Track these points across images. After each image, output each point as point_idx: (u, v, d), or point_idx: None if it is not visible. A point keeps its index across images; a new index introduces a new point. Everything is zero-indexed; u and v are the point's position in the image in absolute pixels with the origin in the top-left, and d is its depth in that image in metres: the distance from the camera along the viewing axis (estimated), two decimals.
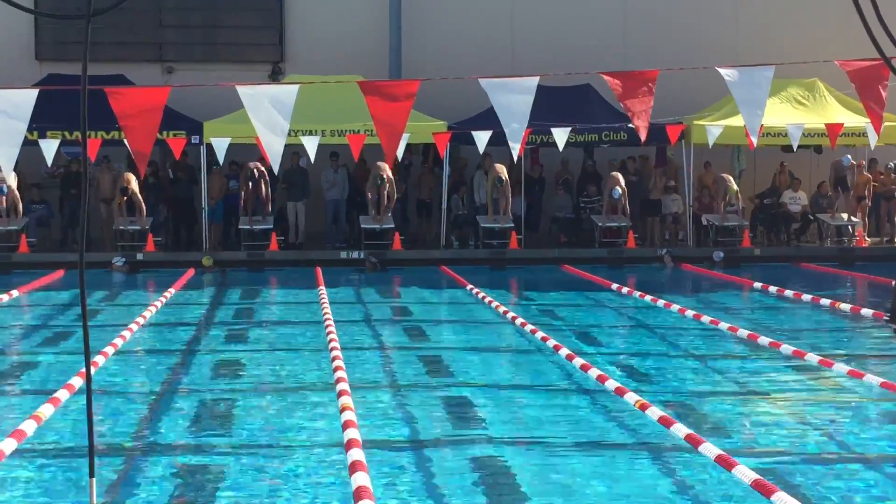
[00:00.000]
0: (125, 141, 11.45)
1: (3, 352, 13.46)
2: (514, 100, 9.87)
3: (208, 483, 7.61)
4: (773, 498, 6.57)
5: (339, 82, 18.48)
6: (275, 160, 10.09)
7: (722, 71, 10.15)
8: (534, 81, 9.86)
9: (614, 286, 19.04)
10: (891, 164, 26.46)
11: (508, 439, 8.86)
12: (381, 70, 26.75)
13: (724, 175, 25.12)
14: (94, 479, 4.41)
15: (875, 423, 9.52)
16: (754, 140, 10.93)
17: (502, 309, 15.88)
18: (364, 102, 11.00)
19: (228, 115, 22.56)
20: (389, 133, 9.90)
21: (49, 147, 20.61)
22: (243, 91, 9.94)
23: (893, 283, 14.58)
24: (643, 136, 10.89)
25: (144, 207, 23.50)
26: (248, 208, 23.95)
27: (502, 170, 23.97)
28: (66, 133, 22.45)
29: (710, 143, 23.77)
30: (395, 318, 16.56)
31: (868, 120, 10.01)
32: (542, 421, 9.48)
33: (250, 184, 23.82)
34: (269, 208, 24.19)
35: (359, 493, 6.53)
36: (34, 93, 9.52)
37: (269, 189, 24.03)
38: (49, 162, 21.59)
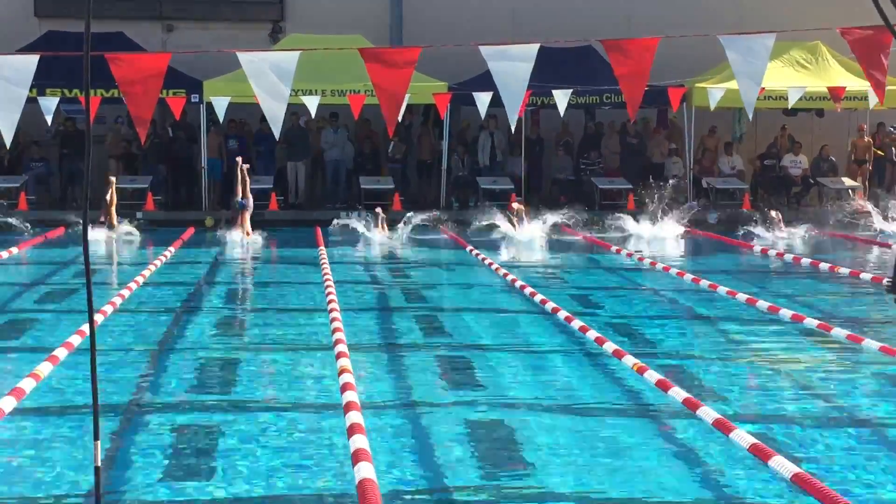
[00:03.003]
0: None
1: (1, 309, 13.46)
2: (512, 67, 9.80)
3: (207, 443, 7.62)
4: (770, 462, 6.59)
5: (341, 49, 18.42)
6: (275, 126, 10.10)
7: (721, 39, 10.04)
8: (533, 49, 9.78)
9: (613, 248, 19.03)
10: (891, 128, 26.45)
11: (506, 401, 8.87)
12: (382, 28, 26.63)
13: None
14: (99, 442, 4.41)
15: (874, 387, 9.53)
16: (750, 113, 10.87)
17: (502, 271, 15.89)
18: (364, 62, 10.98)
19: (229, 74, 22.49)
20: (390, 100, 9.86)
21: (48, 105, 20.52)
22: (244, 57, 9.89)
23: (893, 247, 14.56)
24: (633, 113, 10.82)
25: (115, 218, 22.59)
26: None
27: (520, 210, 22.92)
28: (66, 91, 22.34)
29: (713, 106, 23.69)
30: (395, 279, 16.56)
31: (870, 83, 9.89)
32: (540, 383, 9.49)
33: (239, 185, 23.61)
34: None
35: (357, 454, 6.54)
36: (35, 58, 9.46)
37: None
38: (49, 120, 21.52)
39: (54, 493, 6.57)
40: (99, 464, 4.42)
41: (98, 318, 11.47)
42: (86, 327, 10.28)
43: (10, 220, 21.88)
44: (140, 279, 14.74)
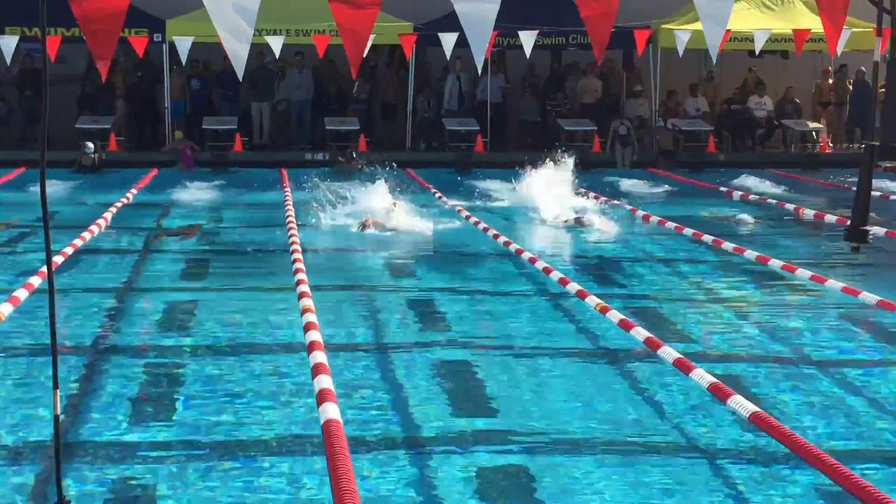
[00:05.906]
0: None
1: None
2: (479, 8, 9.73)
3: (170, 385, 7.61)
4: (729, 402, 6.64)
5: None
6: (238, 66, 9.97)
7: None
8: None
9: (580, 189, 19.04)
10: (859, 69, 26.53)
11: (471, 342, 8.90)
12: None
13: None
14: (59, 391, 4.37)
15: (835, 328, 9.61)
16: (714, 56, 10.82)
17: (465, 213, 15.87)
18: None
19: (191, 13, 22.19)
20: (354, 41, 9.76)
21: (8, 44, 20.21)
22: None
23: (854, 192, 14.60)
24: (599, 55, 10.75)
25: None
26: None
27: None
28: (26, 29, 22.02)
29: (681, 51, 23.55)
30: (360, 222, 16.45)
31: (824, 30, 9.84)
32: (505, 324, 9.52)
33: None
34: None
35: (322, 395, 6.54)
36: None
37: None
38: (9, 60, 21.20)
39: (14, 442, 6.52)
40: (58, 413, 4.37)
41: (58, 259, 11.36)
42: (45, 269, 10.19)
43: None
44: (102, 221, 14.63)
